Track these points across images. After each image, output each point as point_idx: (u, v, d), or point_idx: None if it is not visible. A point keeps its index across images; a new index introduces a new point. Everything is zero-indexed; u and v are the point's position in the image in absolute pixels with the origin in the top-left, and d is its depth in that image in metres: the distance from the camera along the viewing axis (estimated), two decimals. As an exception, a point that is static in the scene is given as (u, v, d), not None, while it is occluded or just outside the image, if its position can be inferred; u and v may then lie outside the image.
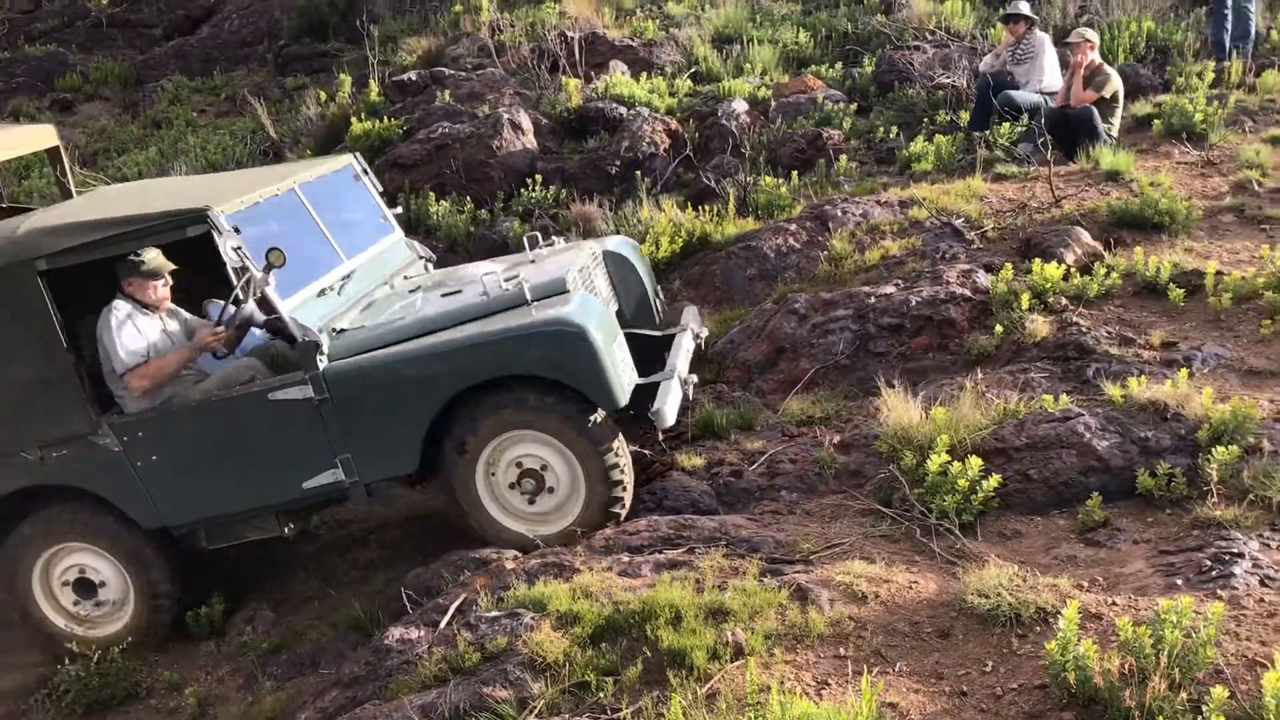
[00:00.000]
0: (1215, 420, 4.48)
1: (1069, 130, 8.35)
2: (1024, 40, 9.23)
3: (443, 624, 4.32)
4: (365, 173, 6.48)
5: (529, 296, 4.98)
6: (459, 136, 10.16)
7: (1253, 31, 9.71)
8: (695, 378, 5.64)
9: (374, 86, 12.00)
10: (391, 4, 16.03)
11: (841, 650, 3.68)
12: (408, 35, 14.27)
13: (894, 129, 9.62)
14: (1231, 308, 5.69)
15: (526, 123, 10.48)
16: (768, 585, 4.04)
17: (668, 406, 5.04)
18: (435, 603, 4.61)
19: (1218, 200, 7.14)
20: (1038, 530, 4.44)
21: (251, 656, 5.34)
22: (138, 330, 5.31)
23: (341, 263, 5.75)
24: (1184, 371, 4.93)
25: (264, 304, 5.21)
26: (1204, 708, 2.77)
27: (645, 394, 5.12)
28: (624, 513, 5.09)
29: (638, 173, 9.48)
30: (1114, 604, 3.66)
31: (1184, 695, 2.95)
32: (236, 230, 5.02)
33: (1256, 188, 7.20)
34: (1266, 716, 2.73)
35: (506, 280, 5.20)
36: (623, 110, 10.57)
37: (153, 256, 5.31)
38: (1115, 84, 8.34)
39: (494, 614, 4.17)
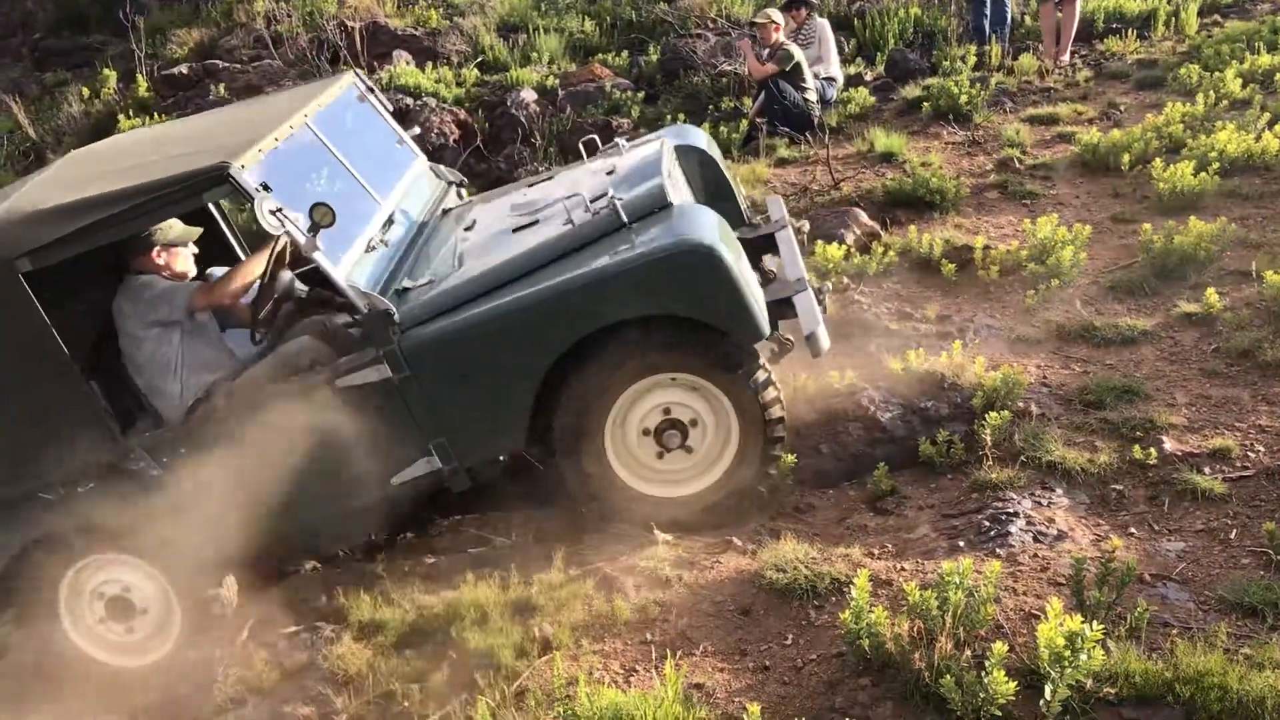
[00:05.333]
0: (987, 387, 4.73)
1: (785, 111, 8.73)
2: (804, 26, 9.53)
3: (238, 642, 4.15)
4: (370, 91, 5.45)
5: (625, 217, 4.18)
6: (237, 132, 9.74)
7: (1009, 17, 10.30)
8: (830, 284, 4.90)
9: (142, 81, 11.40)
10: (159, -7, 15.23)
11: (648, 635, 3.71)
12: (177, 26, 13.58)
13: (681, 116, 9.77)
14: (999, 280, 6.01)
15: (309, 116, 10.14)
16: (573, 577, 4.04)
17: (820, 329, 4.29)
18: (229, 620, 4.42)
19: (983, 178, 7.55)
20: (830, 502, 4.58)
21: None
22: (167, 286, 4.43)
23: (378, 206, 4.77)
24: (957, 343, 5.18)
25: (295, 260, 4.31)
26: (986, 662, 2.91)
27: (773, 313, 4.39)
28: (782, 456, 4.41)
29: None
30: (902, 569, 3.81)
31: (968, 652, 3.09)
32: (266, 188, 4.03)
33: (1018, 165, 7.64)
34: (1041, 665, 2.89)
35: (594, 201, 4.30)
36: (409, 101, 10.35)
37: (170, 223, 4.50)
38: (796, 55, 8.76)
39: (292, 629, 4.04)
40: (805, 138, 8.57)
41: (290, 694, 3.66)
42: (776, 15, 9.00)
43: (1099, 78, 9.34)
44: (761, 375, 4.16)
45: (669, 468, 4.37)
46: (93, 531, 4.44)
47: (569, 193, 4.48)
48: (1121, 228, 6.50)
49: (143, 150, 4.97)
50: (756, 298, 4.09)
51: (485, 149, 9.65)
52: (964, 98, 8.66)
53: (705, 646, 3.61)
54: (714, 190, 5.28)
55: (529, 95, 10.25)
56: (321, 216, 3.97)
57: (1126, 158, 7.15)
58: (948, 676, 2.94)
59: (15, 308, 4.11)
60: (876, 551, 4.02)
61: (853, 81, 9.92)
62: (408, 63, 11.29)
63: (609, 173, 4.80)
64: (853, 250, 6.41)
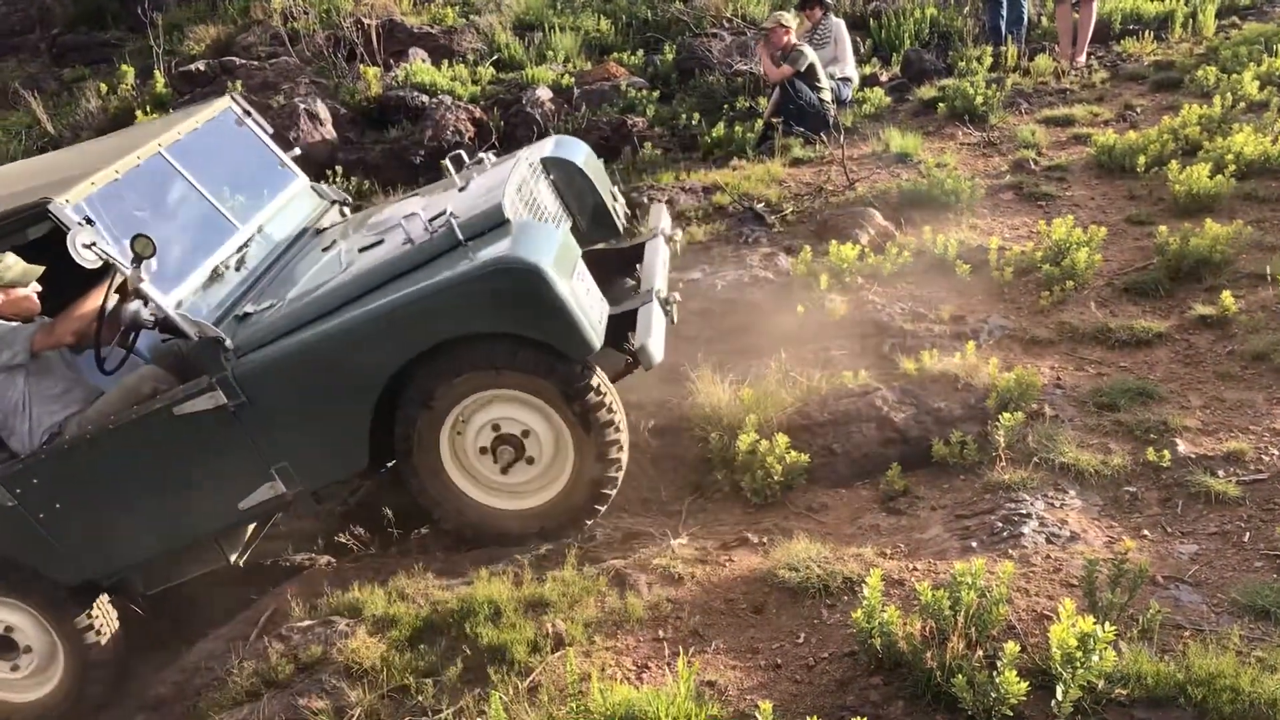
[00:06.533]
0: (1001, 388, 4.73)
1: (800, 110, 8.74)
2: (820, 26, 9.53)
3: (253, 636, 4.18)
4: (248, 114, 5.51)
5: (461, 235, 4.22)
6: (253, 128, 9.78)
7: (1025, 18, 10.28)
8: (678, 295, 4.86)
9: (159, 77, 11.45)
10: (176, -11, 15.30)
11: (660, 633, 3.72)
12: (195, 23, 13.63)
13: (695, 115, 9.77)
14: (1013, 281, 6.01)
15: (324, 113, 10.21)
16: (586, 573, 4.05)
17: (652, 341, 4.28)
18: (245, 614, 4.45)
19: (998, 179, 7.53)
20: (843, 502, 4.59)
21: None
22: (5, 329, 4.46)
23: (235, 230, 4.79)
24: (971, 343, 5.19)
25: (122, 292, 4.27)
26: (998, 662, 2.92)
27: (622, 324, 4.44)
28: (620, 476, 4.45)
29: (443, 162, 9.33)
30: (915, 569, 3.82)
31: (980, 652, 3.10)
32: (89, 221, 4.03)
33: (1033, 166, 7.62)
34: (1053, 666, 2.90)
35: (432, 220, 4.33)
36: (425, 99, 10.40)
37: (9, 264, 4.46)
38: (810, 56, 8.76)
39: (307, 623, 4.06)
40: (820, 137, 8.57)
41: (305, 687, 3.68)
42: (786, 19, 9.00)
43: (1115, 79, 9.31)
44: (593, 397, 4.19)
45: (510, 480, 4.42)
46: None
47: (417, 210, 4.51)
48: (1137, 230, 6.49)
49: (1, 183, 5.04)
50: (588, 313, 4.11)
51: (499, 147, 9.67)
52: (979, 98, 8.65)
53: (717, 644, 3.62)
54: (592, 203, 5.34)
55: (544, 94, 10.27)
56: (143, 248, 3.98)
57: (1142, 159, 7.13)
58: (960, 676, 2.95)
59: None
60: (889, 551, 4.03)
61: (868, 82, 9.91)
62: (423, 60, 11.33)
63: (462, 189, 4.85)
64: (867, 250, 6.41)
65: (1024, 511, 4.06)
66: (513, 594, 3.93)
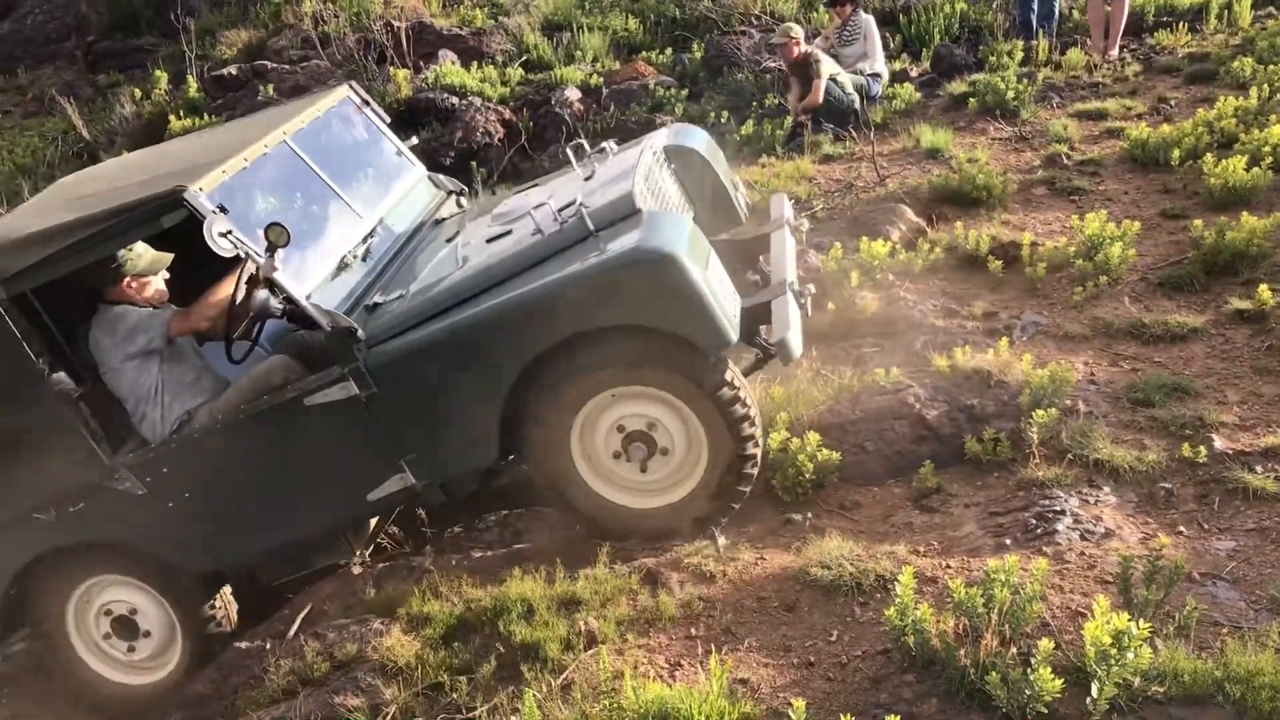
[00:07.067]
0: (1035, 385, 4.70)
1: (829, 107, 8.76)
2: (849, 22, 9.50)
3: (290, 635, 4.22)
4: (366, 103, 5.47)
5: (591, 225, 4.12)
6: (285, 132, 9.87)
7: (1056, 11, 10.20)
8: (812, 287, 4.69)
9: (192, 82, 11.59)
10: (209, -5, 15.46)
11: (693, 630, 3.73)
12: (226, 28, 13.78)
13: (724, 113, 9.76)
14: (1046, 276, 5.97)
15: (356, 116, 10.27)
16: (618, 572, 4.07)
17: (791, 334, 4.11)
18: (281, 613, 4.50)
19: (1030, 174, 7.48)
20: (875, 500, 4.58)
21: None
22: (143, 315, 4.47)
23: (360, 220, 4.77)
24: (1004, 340, 5.16)
25: (252, 282, 4.30)
26: (1032, 660, 2.90)
27: (753, 318, 4.29)
28: (756, 471, 4.31)
29: (473, 163, 9.40)
30: (948, 567, 3.81)
31: (1014, 650, 3.09)
32: (223, 210, 3.99)
33: (1065, 161, 7.56)
34: (1088, 664, 2.88)
35: (562, 210, 4.23)
36: (455, 100, 10.46)
37: (139, 253, 4.50)
38: (824, 61, 8.75)
39: (342, 621, 4.10)
40: (849, 133, 8.54)
41: (341, 685, 3.72)
42: (795, 30, 8.95)
43: (1148, 72, 9.22)
44: (728, 391, 4.09)
45: (639, 478, 4.31)
46: (90, 551, 4.63)
47: (544, 201, 4.45)
48: (1171, 224, 6.42)
49: (122, 175, 5.04)
50: (723, 305, 3.99)
51: (529, 148, 9.71)
52: (1011, 93, 8.59)
53: (750, 642, 3.62)
54: (712, 191, 5.20)
55: (573, 94, 10.30)
56: (276, 236, 3.95)
57: (1177, 153, 7.06)
58: (993, 674, 2.94)
59: None
60: (922, 549, 4.01)
61: (898, 78, 9.87)
62: (453, 62, 11.40)
63: (587, 178, 4.74)
64: (898, 247, 6.39)
65: (1058, 508, 4.04)
66: (545, 592, 3.94)
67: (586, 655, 3.60)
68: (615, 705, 3.13)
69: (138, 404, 4.48)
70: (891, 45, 10.64)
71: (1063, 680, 2.85)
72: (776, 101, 9.78)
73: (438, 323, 4.07)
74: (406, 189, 5.27)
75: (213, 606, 4.76)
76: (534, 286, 3.97)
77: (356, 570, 4.73)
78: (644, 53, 11.58)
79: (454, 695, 3.56)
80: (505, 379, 4.03)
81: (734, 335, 3.99)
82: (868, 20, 9.59)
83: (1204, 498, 4.06)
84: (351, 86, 5.53)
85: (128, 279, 4.50)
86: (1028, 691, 2.87)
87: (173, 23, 13.61)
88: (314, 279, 4.25)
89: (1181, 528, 3.91)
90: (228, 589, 4.86)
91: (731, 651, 3.56)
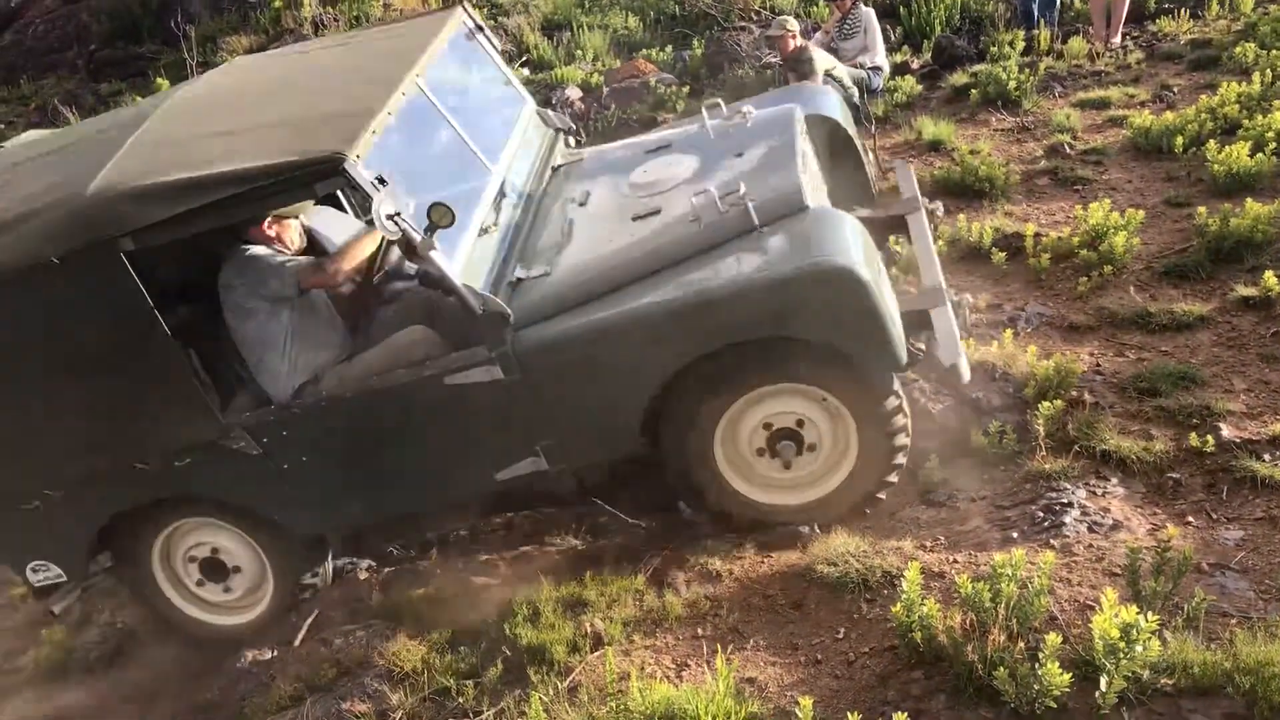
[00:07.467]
0: (1040, 376, 4.67)
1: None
2: (849, 16, 9.47)
3: (296, 641, 4.22)
4: (480, 29, 4.99)
5: (756, 220, 3.89)
6: (287, 137, 9.88)
7: (1057, 0, 10.15)
8: (970, 297, 4.42)
9: (194, 89, 11.58)
10: (209, 2, 15.47)
11: (699, 630, 3.72)
12: (227, 34, 13.78)
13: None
14: (1050, 267, 5.93)
15: (358, 119, 10.28)
16: (624, 572, 4.06)
17: (961, 359, 3.91)
18: (289, 620, 4.50)
19: (1033, 164, 7.45)
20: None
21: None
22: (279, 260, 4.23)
23: (489, 175, 4.38)
24: (1009, 332, 5.13)
25: (410, 252, 3.99)
26: (1040, 654, 2.88)
27: (905, 324, 3.97)
28: (898, 479, 4.21)
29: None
30: (955, 561, 3.79)
31: (1022, 644, 3.07)
32: (382, 181, 3.70)
33: (1068, 150, 7.52)
34: (1096, 657, 2.86)
35: (724, 196, 3.98)
36: (455, 102, 10.45)
37: None
38: (817, 57, 8.60)
39: (349, 627, 4.10)
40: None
41: (347, 690, 3.72)
42: (791, 24, 8.90)
43: (1151, 59, 9.17)
44: (892, 403, 3.95)
45: (792, 475, 4.18)
46: (189, 501, 4.54)
47: (692, 176, 4.22)
48: (1175, 212, 6.39)
49: (253, 103, 4.57)
50: (897, 324, 3.78)
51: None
52: (1012, 83, 8.55)
53: (757, 641, 3.61)
54: (843, 163, 4.89)
55: (574, 93, 10.29)
56: (440, 217, 3.71)
57: (1180, 140, 7.02)
58: (1001, 669, 2.92)
59: (117, 286, 3.91)
60: (928, 544, 4.00)
61: (899, 70, 9.83)
62: (453, 64, 11.39)
63: (737, 154, 4.45)
64: (900, 239, 6.36)
65: (1065, 500, 4.02)
66: (551, 594, 3.94)
67: (593, 657, 3.59)
68: (622, 706, 3.12)
69: (262, 352, 4.30)
70: (892, 38, 10.59)
71: (1071, 674, 2.83)
72: (777, 97, 9.75)
73: (592, 312, 3.88)
74: (524, 131, 4.92)
75: (314, 574, 4.74)
76: (701, 289, 3.77)
77: (362, 575, 4.73)
78: (644, 50, 11.55)
79: (460, 699, 3.56)
80: (658, 377, 3.91)
81: (905, 358, 3.82)
82: (868, 13, 9.55)
83: (1212, 487, 4.03)
84: (464, 7, 5.05)
85: (269, 220, 4.32)
86: (1036, 686, 2.85)
87: (173, 30, 13.62)
88: (460, 254, 3.97)
89: (1190, 518, 3.89)
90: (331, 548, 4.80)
91: (738, 650, 3.55)
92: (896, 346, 3.77)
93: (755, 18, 11.46)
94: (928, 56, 10.27)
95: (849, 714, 2.81)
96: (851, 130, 4.98)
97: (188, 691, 4.65)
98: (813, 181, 4.42)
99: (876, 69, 9.35)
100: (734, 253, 3.86)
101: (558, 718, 3.29)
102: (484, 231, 4.18)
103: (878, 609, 3.60)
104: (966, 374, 3.95)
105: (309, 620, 4.33)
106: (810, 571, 3.85)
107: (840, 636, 3.54)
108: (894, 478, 4.18)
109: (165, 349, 4.05)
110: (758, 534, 4.22)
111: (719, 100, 4.86)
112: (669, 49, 11.46)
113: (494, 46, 5.10)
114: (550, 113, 5.27)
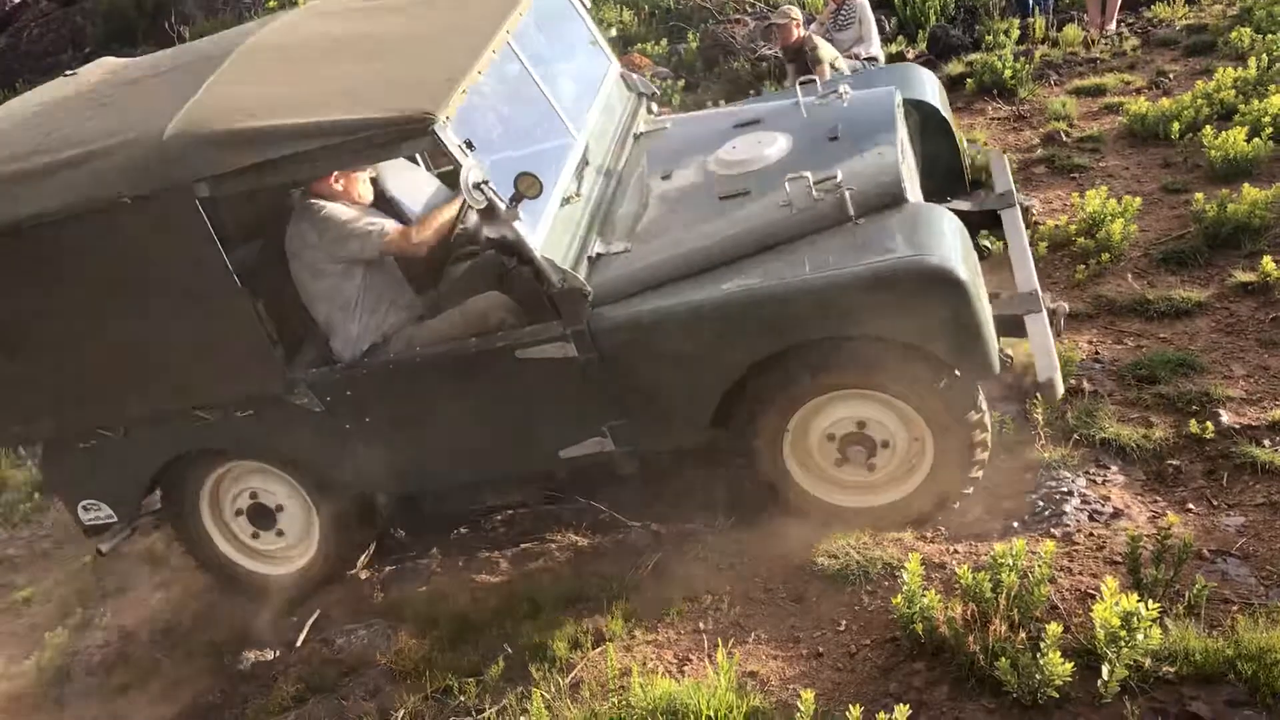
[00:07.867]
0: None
1: None
2: (844, 7, 9.45)
3: (298, 642, 4.22)
4: None
5: (852, 210, 3.74)
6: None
7: (1052, -12, 10.14)
8: (1065, 305, 4.16)
9: (189, 90, 11.57)
10: (203, 3, 15.45)
11: (701, 625, 3.71)
12: (221, 35, 13.78)
13: (722, 102, 9.71)
14: (1048, 255, 5.92)
15: (352, 118, 10.27)
16: (625, 567, 4.05)
17: (1057, 374, 3.70)
18: (290, 620, 4.50)
19: (1030, 152, 7.43)
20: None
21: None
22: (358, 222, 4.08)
23: (573, 142, 4.23)
24: (1007, 321, 5.11)
25: (488, 216, 3.72)
26: (1042, 644, 2.88)
27: (997, 327, 3.75)
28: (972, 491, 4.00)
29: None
30: (955, 552, 3.78)
31: (1023, 634, 3.06)
32: (470, 146, 3.59)
33: (1065, 138, 7.51)
34: (1098, 646, 2.86)
35: (819, 183, 3.81)
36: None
37: None
38: (822, 48, 8.60)
39: (350, 626, 4.10)
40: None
41: (350, 690, 3.72)
42: (795, 11, 8.87)
43: (1146, 46, 9.15)
44: (975, 414, 3.80)
45: (852, 478, 4.04)
46: (246, 450, 4.51)
47: (784, 157, 4.10)
48: (1173, 198, 6.37)
49: (333, 53, 4.32)
50: (991, 329, 3.61)
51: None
52: (1008, 72, 8.54)
53: (758, 634, 3.61)
54: (936, 150, 4.73)
55: (569, 88, 10.29)
56: (527, 188, 3.60)
57: (1176, 126, 7.01)
58: (1003, 659, 2.92)
59: (190, 233, 3.81)
60: (929, 535, 3.99)
61: (895, 60, 9.81)
62: (448, 61, 11.38)
63: (832, 138, 4.27)
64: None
65: (1065, 489, 4.02)
66: (552, 590, 3.93)
67: (594, 653, 3.59)
68: (624, 702, 3.12)
69: (332, 312, 4.19)
70: (887, 28, 10.57)
71: (1073, 663, 2.83)
72: (774, 89, 9.73)
73: (674, 296, 3.74)
74: (607, 95, 4.70)
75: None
76: (792, 281, 3.60)
77: (363, 574, 4.72)
78: (640, 44, 11.54)
79: (463, 697, 3.56)
80: (738, 367, 3.77)
81: (998, 366, 3.68)
82: (862, 4, 9.53)
83: (1212, 473, 4.03)
84: None
85: (336, 173, 4.16)
86: (1038, 676, 2.85)
87: (168, 32, 13.61)
88: (542, 225, 3.83)
89: (1190, 505, 3.89)
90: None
91: (740, 644, 3.54)
92: (991, 357, 3.61)
93: (750, 10, 11.44)
94: (923, 46, 10.24)
95: (851, 706, 2.81)
96: (947, 113, 4.84)
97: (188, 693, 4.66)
98: (910, 172, 4.27)
99: (872, 60, 9.32)
100: (826, 244, 3.71)
101: (560, 714, 3.28)
102: (566, 201, 4.03)
103: (879, 601, 3.59)
104: (1060, 388, 3.76)
105: (310, 620, 4.33)
106: (811, 564, 3.84)
107: (842, 629, 3.53)
108: (969, 489, 4.00)
109: (235, 297, 3.94)
110: (758, 528, 4.22)
111: (815, 79, 4.71)
112: (664, 43, 11.44)
113: (584, 2, 4.89)
114: (635, 76, 5.10)
